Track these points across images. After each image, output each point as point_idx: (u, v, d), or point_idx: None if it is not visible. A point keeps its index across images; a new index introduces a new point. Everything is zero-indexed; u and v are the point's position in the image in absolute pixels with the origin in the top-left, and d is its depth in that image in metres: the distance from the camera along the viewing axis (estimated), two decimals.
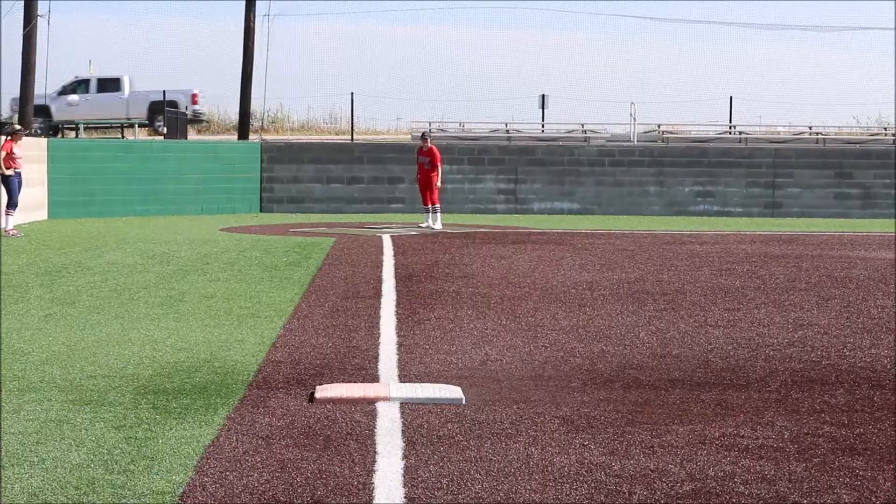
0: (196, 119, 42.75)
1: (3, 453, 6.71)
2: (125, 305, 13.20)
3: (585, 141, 40.22)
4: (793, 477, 6.43)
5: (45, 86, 37.15)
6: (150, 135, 43.03)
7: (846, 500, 6.04)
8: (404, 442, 7.10)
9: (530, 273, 17.30)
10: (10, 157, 23.99)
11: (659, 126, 43.64)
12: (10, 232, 23.85)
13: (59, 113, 40.97)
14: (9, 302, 13.36)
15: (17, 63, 35.88)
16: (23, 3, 35.75)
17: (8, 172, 23.98)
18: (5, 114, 41.41)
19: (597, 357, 10.20)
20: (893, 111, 61.34)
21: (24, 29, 35.65)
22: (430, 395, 8.31)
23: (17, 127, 25.68)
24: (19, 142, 24.34)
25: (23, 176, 24.77)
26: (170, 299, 13.79)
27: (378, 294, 14.53)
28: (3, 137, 24.60)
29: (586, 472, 6.48)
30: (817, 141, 41.09)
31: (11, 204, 24.21)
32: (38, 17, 35.68)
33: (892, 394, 8.80)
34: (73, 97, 40.99)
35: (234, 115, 46.80)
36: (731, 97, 45.19)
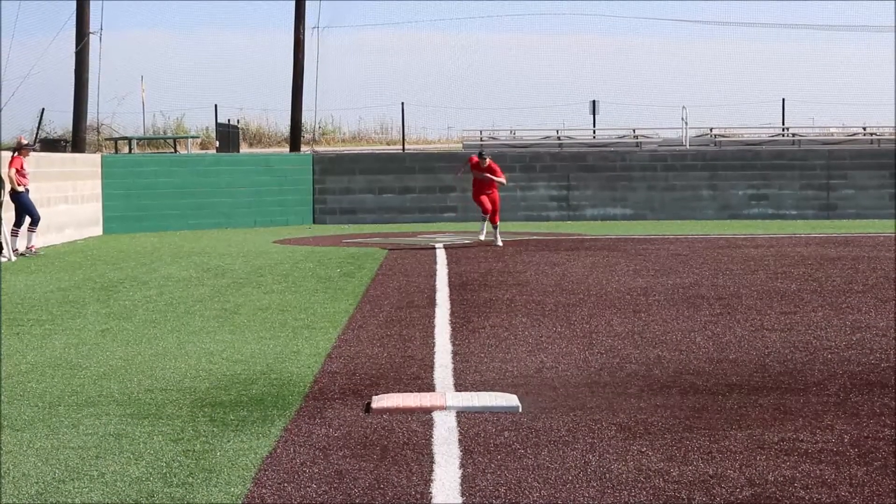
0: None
1: (63, 467, 6.78)
2: (181, 319, 13.28)
3: (637, 146, 40.09)
4: (854, 481, 6.37)
5: (98, 103, 37.24)
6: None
7: None
8: (461, 451, 7.10)
9: (584, 279, 17.25)
10: (20, 173, 23.38)
11: (711, 129, 43.41)
12: (32, 249, 23.42)
13: None
14: (66, 318, 13.48)
15: (70, 80, 36.22)
16: (74, 20, 36.10)
17: (20, 189, 23.39)
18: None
19: (653, 363, 10.15)
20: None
21: (76, 46, 36.00)
22: (486, 404, 8.30)
23: (25, 142, 25.08)
24: (27, 157, 23.71)
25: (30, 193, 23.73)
26: (225, 312, 13.86)
27: (432, 303, 14.53)
28: (11, 154, 23.85)
29: (644, 478, 6.44)
30: (871, 141, 40.72)
31: (34, 220, 23.58)
32: (90, 35, 36.01)
33: None
34: None
35: (285, 127, 47.00)
36: (783, 99, 44.88)
